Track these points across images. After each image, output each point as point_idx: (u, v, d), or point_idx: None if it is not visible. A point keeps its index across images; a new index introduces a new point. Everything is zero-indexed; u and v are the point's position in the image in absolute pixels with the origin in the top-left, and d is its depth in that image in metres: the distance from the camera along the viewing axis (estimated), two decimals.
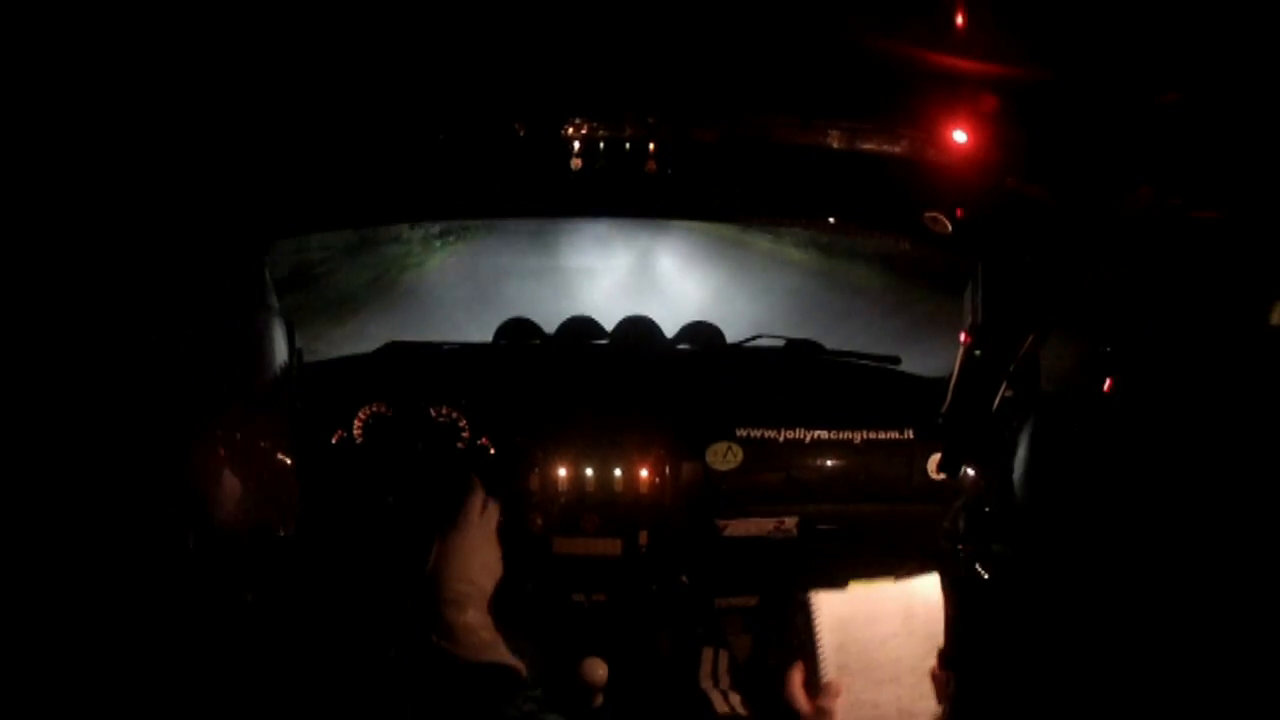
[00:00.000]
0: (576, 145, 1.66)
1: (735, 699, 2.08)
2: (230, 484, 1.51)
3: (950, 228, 1.76)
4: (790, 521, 2.20)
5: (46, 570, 1.20)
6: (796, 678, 1.67)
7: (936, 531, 1.82)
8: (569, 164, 1.70)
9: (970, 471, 1.86)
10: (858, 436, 2.22)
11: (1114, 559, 0.79)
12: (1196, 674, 0.74)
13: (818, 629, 1.70)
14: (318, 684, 1.65)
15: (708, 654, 2.15)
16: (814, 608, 1.72)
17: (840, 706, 1.63)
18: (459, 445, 2.21)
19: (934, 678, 1.42)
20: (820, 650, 1.68)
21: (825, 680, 1.65)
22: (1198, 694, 0.74)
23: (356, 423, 2.20)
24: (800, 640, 1.74)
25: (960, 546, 1.56)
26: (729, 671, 2.12)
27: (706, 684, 2.09)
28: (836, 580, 1.80)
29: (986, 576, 1.29)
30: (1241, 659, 0.72)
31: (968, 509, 1.77)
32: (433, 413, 2.22)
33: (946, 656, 1.23)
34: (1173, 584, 0.76)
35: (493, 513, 1.65)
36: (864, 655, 1.68)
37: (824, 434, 2.22)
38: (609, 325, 2.87)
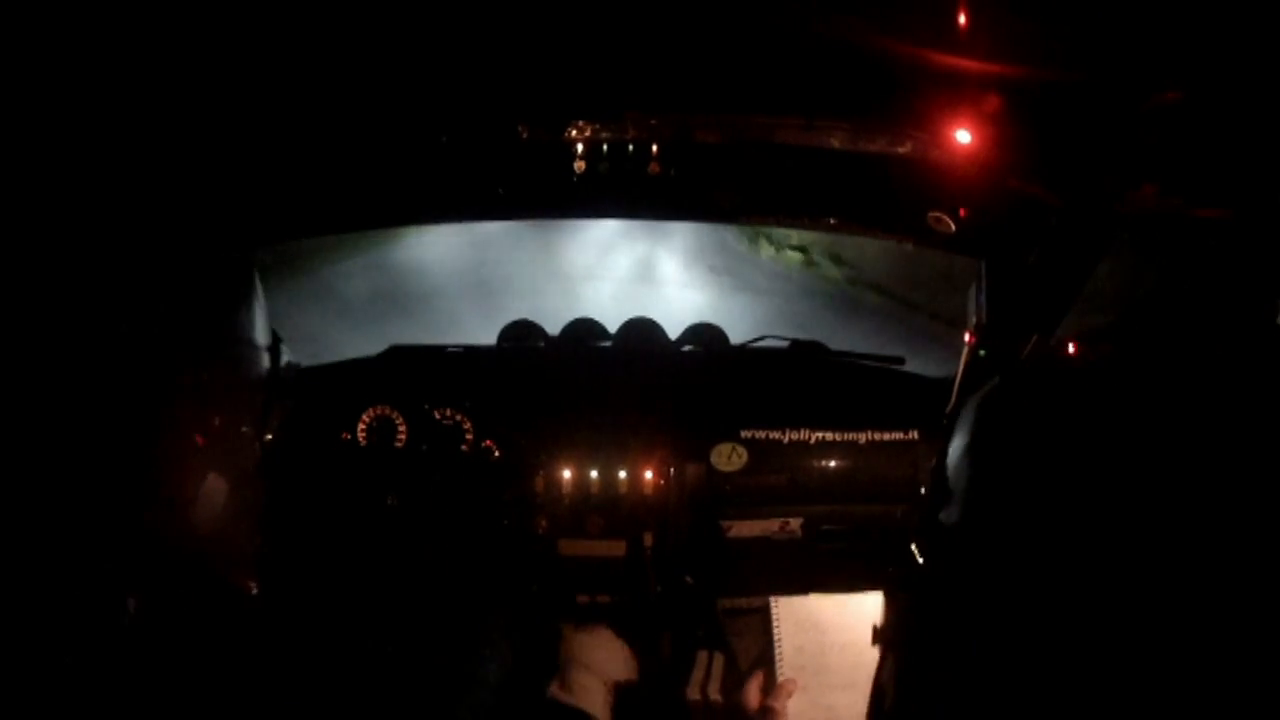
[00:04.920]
0: (580, 147, 1.66)
1: (716, 705, 2.09)
2: (211, 485, 1.51)
3: (954, 227, 1.76)
4: (795, 522, 2.20)
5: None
6: (755, 681, 1.71)
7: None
8: (572, 166, 1.70)
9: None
10: (862, 437, 2.22)
11: (1090, 564, 0.78)
12: (1182, 687, 0.73)
13: (777, 632, 1.74)
14: (316, 682, 1.65)
15: (701, 656, 2.15)
16: (775, 612, 1.76)
17: (794, 707, 1.66)
18: (463, 448, 2.22)
19: (888, 689, 1.43)
20: (778, 651, 1.72)
21: (779, 680, 1.69)
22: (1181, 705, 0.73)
23: (360, 425, 2.20)
24: (762, 642, 1.78)
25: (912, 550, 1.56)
26: (723, 674, 2.12)
27: (693, 689, 2.09)
28: (807, 586, 1.83)
29: (945, 587, 1.28)
30: (1235, 671, 0.71)
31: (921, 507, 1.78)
32: (437, 415, 2.22)
33: (901, 670, 1.23)
34: (1162, 590, 0.75)
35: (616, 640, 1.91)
36: (820, 659, 1.72)
37: (828, 435, 2.22)
38: (613, 327, 2.87)
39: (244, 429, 1.63)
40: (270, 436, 1.98)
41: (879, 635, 1.62)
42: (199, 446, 1.47)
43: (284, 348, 2.06)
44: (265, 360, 1.86)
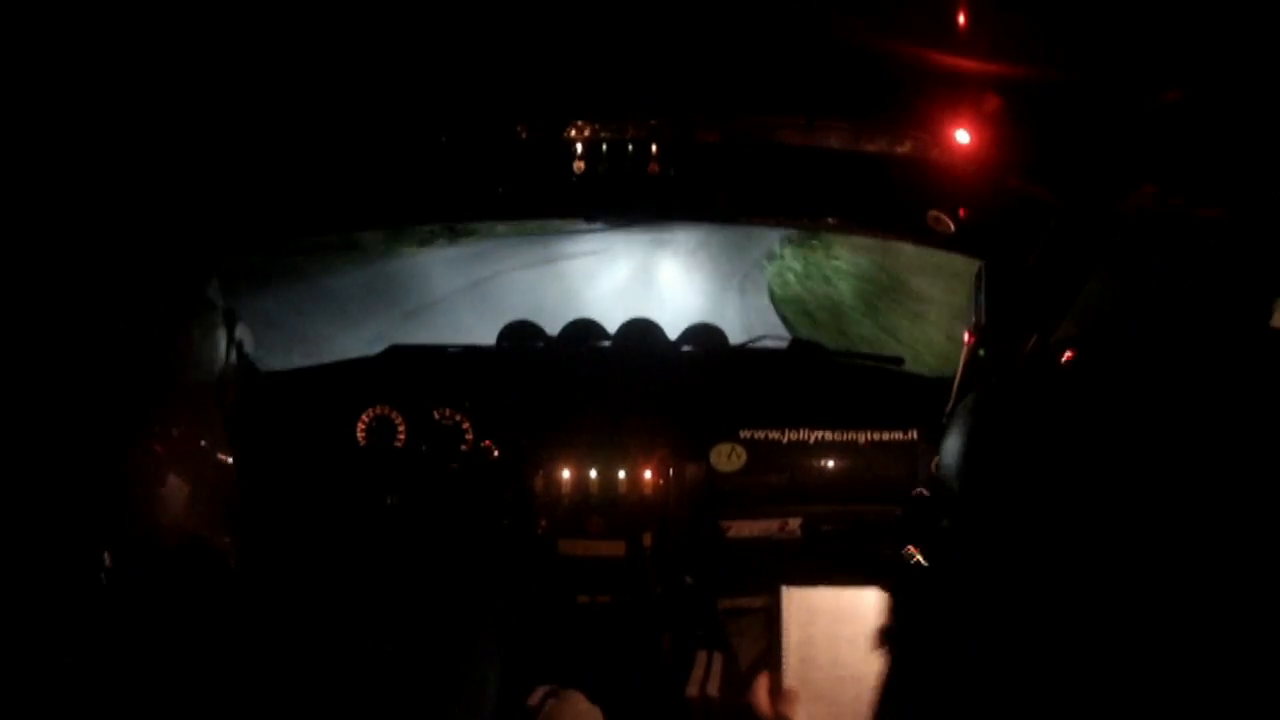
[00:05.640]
0: (579, 147, 1.66)
1: (716, 704, 2.09)
2: (170, 491, 1.51)
3: (953, 227, 1.76)
4: (794, 522, 2.20)
5: None
6: (762, 682, 1.71)
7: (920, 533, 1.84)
8: (572, 166, 1.70)
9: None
10: (861, 437, 2.22)
11: (1088, 559, 0.78)
12: (1182, 688, 0.73)
13: (785, 620, 1.75)
14: (314, 683, 1.65)
15: (701, 657, 2.16)
16: (784, 600, 1.77)
17: (800, 703, 1.67)
18: (463, 448, 2.22)
19: (893, 686, 1.44)
20: (785, 641, 1.73)
21: (786, 686, 1.70)
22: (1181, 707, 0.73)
23: (360, 425, 2.21)
24: (769, 632, 1.78)
25: (914, 548, 1.57)
26: (722, 673, 2.12)
27: (693, 688, 2.10)
28: (814, 579, 1.84)
29: (949, 583, 1.29)
30: (1230, 670, 0.71)
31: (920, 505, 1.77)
32: (436, 415, 2.22)
33: (904, 669, 1.24)
34: (1158, 594, 0.75)
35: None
36: (830, 650, 1.73)
37: (827, 435, 2.22)
38: (612, 328, 2.87)
39: (204, 439, 1.63)
40: (240, 442, 1.97)
41: (883, 633, 1.63)
42: (159, 454, 1.46)
43: (250, 354, 2.04)
44: (226, 367, 1.86)
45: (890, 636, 1.61)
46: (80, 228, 1.39)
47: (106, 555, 1.33)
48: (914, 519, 1.72)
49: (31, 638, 1.22)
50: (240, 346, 1.92)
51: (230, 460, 1.75)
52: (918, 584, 1.16)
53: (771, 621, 1.82)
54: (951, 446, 0.98)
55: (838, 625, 1.77)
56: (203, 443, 1.61)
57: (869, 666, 1.70)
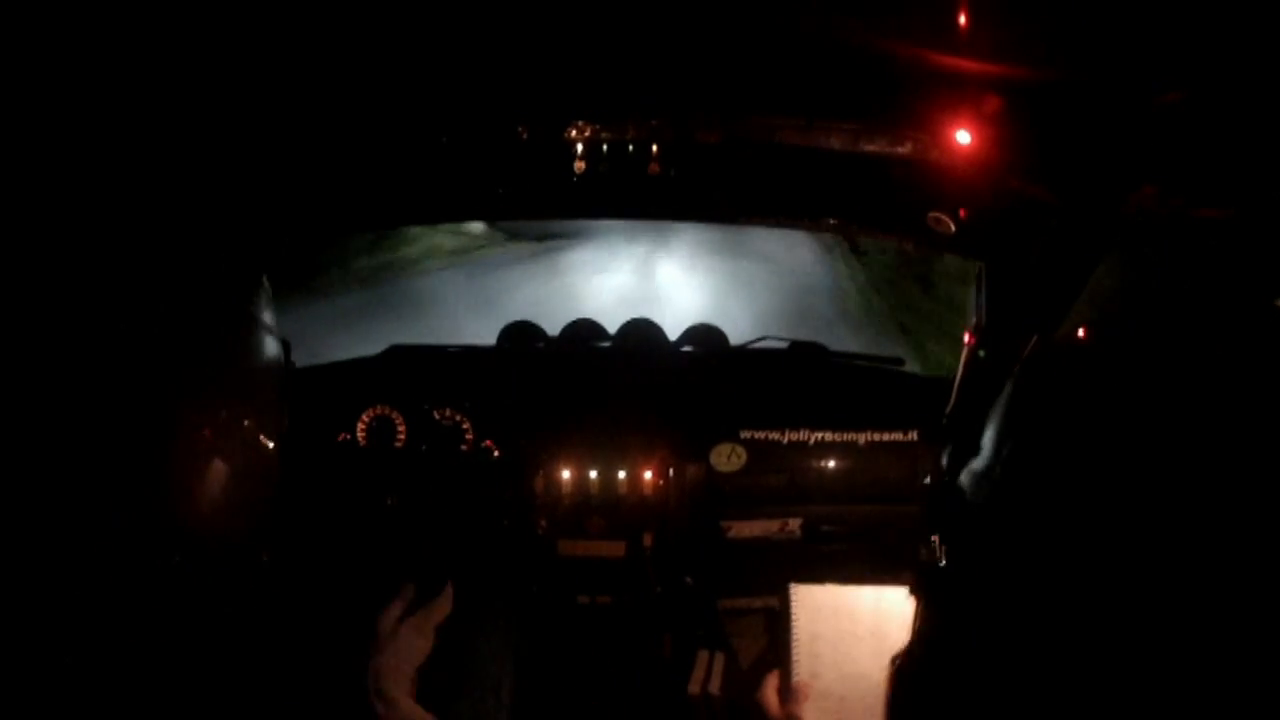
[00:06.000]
0: (579, 147, 1.66)
1: (718, 703, 2.09)
2: (213, 491, 1.50)
3: (954, 228, 1.76)
4: (794, 523, 2.20)
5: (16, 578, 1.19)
6: (771, 680, 1.72)
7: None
8: (572, 166, 1.70)
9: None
10: (861, 438, 2.22)
11: (1098, 558, 0.78)
12: (1191, 688, 0.73)
13: (794, 617, 1.76)
14: (315, 682, 1.65)
15: (703, 656, 2.16)
16: (793, 597, 1.78)
17: (809, 700, 1.68)
18: (463, 448, 2.22)
19: (898, 685, 1.44)
20: (795, 638, 1.74)
21: (796, 682, 1.71)
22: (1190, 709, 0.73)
23: (360, 425, 2.20)
24: (778, 629, 1.79)
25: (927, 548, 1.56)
26: (723, 673, 2.12)
27: (694, 687, 2.09)
28: (820, 577, 1.84)
29: (955, 580, 1.29)
30: (1239, 666, 0.71)
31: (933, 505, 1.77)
32: (436, 415, 2.22)
33: (911, 666, 1.24)
34: (1165, 588, 0.75)
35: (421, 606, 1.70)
36: (838, 647, 1.74)
37: (828, 435, 2.22)
38: (612, 328, 2.87)
39: (247, 423, 1.63)
40: (283, 434, 1.97)
41: (891, 630, 1.64)
42: (206, 439, 1.47)
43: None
44: (273, 358, 1.86)
45: (898, 634, 1.61)
46: (122, 224, 1.40)
47: (157, 541, 1.33)
48: (928, 517, 1.72)
49: (68, 627, 1.22)
50: (291, 368, 1.92)
51: (269, 450, 1.74)
52: (926, 582, 1.16)
53: (777, 620, 1.82)
54: (972, 447, 0.98)
55: (846, 622, 1.77)
56: (246, 424, 1.61)
57: (877, 663, 1.70)
